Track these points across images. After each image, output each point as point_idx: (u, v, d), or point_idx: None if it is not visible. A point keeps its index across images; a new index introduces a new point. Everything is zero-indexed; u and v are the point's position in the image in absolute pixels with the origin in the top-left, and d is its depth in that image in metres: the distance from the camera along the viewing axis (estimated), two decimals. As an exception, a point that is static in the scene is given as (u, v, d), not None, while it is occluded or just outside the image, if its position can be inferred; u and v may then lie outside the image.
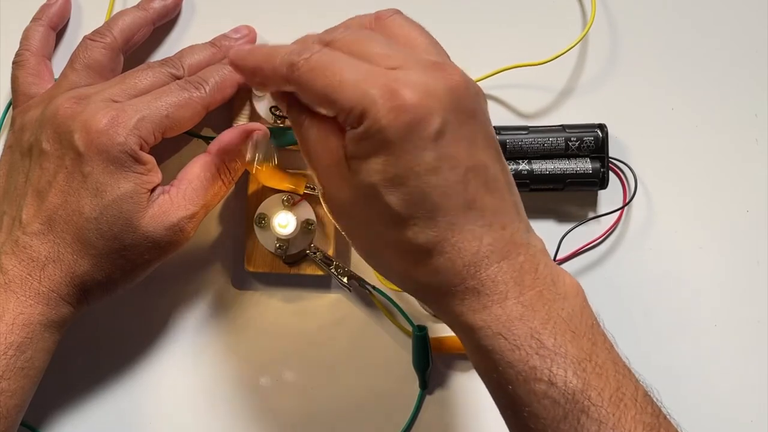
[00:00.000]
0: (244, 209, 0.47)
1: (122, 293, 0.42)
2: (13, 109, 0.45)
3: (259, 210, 0.45)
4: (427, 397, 0.47)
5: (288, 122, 0.44)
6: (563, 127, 0.46)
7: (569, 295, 0.33)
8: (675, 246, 0.48)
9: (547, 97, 0.48)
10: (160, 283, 0.47)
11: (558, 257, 0.47)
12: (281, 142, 0.45)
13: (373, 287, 0.47)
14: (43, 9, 0.47)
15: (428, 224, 0.32)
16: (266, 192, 0.45)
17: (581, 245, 0.48)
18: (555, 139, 0.46)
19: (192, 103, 0.41)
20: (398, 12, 0.36)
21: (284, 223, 0.44)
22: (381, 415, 0.48)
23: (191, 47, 0.45)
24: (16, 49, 0.46)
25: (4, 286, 0.38)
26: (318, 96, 0.33)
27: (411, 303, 0.48)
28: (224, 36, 0.46)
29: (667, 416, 0.34)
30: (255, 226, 0.45)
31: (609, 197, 0.48)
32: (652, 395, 0.34)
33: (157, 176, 0.41)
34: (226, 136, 0.43)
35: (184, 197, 0.41)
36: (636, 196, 0.47)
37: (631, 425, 0.31)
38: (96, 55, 0.44)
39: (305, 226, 0.45)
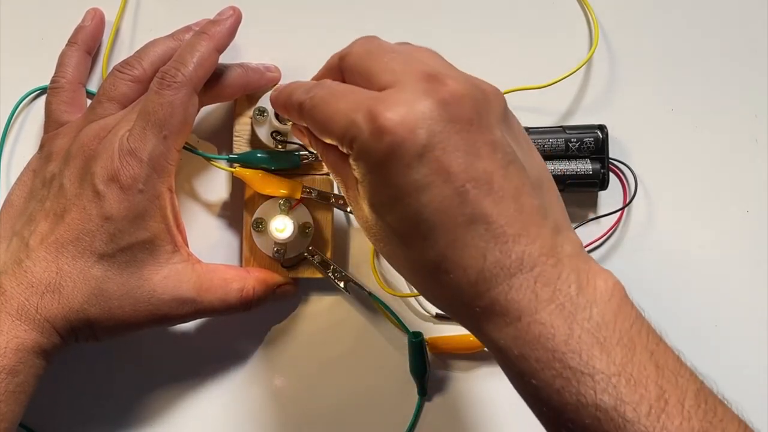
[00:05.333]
0: (241, 213, 0.46)
1: (105, 343, 0.41)
2: (44, 132, 0.45)
3: (257, 214, 0.45)
4: (427, 404, 0.47)
5: (288, 147, 0.45)
6: (563, 128, 0.46)
7: (599, 301, 0.31)
8: (675, 246, 0.48)
9: (546, 95, 0.47)
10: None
11: (558, 259, 0.46)
12: (281, 165, 0.44)
13: (369, 293, 0.46)
14: (78, 32, 0.47)
15: (428, 243, 0.31)
16: (263, 196, 0.45)
17: (581, 246, 0.47)
18: (555, 140, 0.46)
19: (178, 101, 0.40)
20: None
21: (281, 227, 0.44)
22: (379, 422, 0.47)
23: (152, 42, 0.45)
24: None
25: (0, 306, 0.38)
26: (319, 130, 0.34)
27: (411, 307, 0.47)
28: (188, 28, 0.46)
29: (727, 409, 0.31)
30: (252, 230, 0.45)
31: (609, 198, 0.48)
32: (707, 390, 0.31)
33: (181, 232, 0.42)
34: (271, 276, 0.45)
35: (205, 284, 0.42)
36: (636, 196, 0.47)
37: None
38: (123, 89, 0.43)
39: (302, 230, 0.45)
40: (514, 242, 0.31)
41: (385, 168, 0.31)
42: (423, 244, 0.31)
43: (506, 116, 0.34)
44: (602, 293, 0.31)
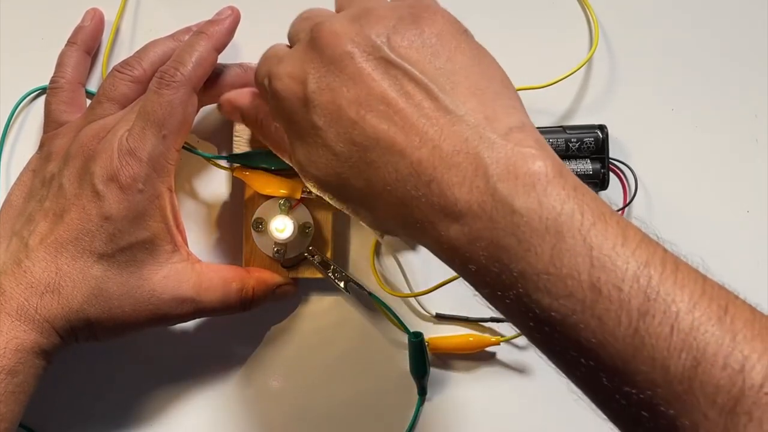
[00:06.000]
0: (241, 213, 0.46)
1: (105, 343, 0.41)
2: (44, 132, 0.45)
3: (257, 214, 0.45)
4: (427, 404, 0.47)
5: None
6: (563, 128, 0.46)
7: (521, 191, 0.28)
8: (675, 246, 0.48)
9: (546, 95, 0.47)
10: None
11: (558, 259, 0.46)
12: (281, 165, 0.44)
13: (369, 293, 0.46)
14: (77, 32, 0.47)
15: (354, 179, 0.32)
16: (263, 196, 0.45)
17: (581, 246, 0.47)
18: (555, 140, 0.46)
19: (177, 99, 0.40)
20: None
21: (281, 227, 0.44)
22: (379, 422, 0.47)
23: (152, 42, 0.45)
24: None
25: None
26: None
27: (411, 307, 0.48)
28: (188, 29, 0.46)
29: (678, 279, 0.28)
30: (252, 231, 0.45)
31: (609, 198, 0.47)
32: (657, 261, 0.28)
33: (180, 232, 0.43)
34: (270, 276, 0.45)
35: (205, 284, 0.42)
36: (636, 196, 0.47)
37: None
38: (122, 89, 0.43)
39: (302, 230, 0.45)
40: (420, 148, 0.30)
41: (288, 128, 0.34)
42: (351, 181, 0.32)
43: (405, 28, 0.32)
44: (525, 180, 0.28)
